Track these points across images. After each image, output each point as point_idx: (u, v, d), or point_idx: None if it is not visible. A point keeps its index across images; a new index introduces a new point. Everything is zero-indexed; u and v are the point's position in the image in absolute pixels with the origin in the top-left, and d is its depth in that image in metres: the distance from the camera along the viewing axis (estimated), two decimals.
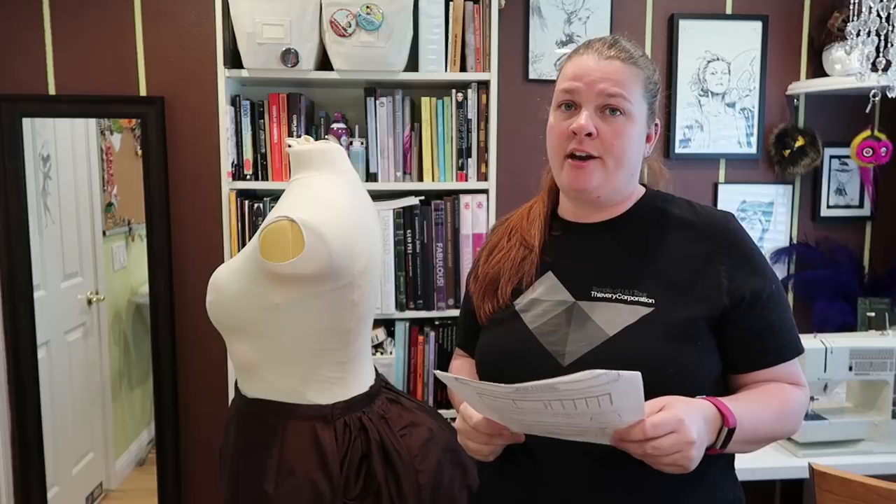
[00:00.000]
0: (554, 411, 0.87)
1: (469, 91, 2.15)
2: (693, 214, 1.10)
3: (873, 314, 2.32)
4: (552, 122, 1.08)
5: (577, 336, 1.03)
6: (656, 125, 1.12)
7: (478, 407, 0.97)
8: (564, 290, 1.08)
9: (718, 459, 1.02)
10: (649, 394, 0.84)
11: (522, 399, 0.86)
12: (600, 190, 1.06)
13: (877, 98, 1.79)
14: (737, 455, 1.11)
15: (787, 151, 2.46)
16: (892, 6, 1.55)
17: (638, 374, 0.81)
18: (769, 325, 1.03)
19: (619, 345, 0.99)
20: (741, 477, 1.15)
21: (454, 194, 2.19)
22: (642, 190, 1.14)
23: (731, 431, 0.93)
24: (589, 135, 1.02)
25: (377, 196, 2.01)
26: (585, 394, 0.82)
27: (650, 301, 1.02)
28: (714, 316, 1.02)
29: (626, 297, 1.03)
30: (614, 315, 1.02)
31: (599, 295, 1.05)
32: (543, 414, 0.88)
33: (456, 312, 2.01)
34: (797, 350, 1.06)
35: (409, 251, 2.19)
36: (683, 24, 2.43)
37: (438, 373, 0.93)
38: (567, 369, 1.00)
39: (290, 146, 1.48)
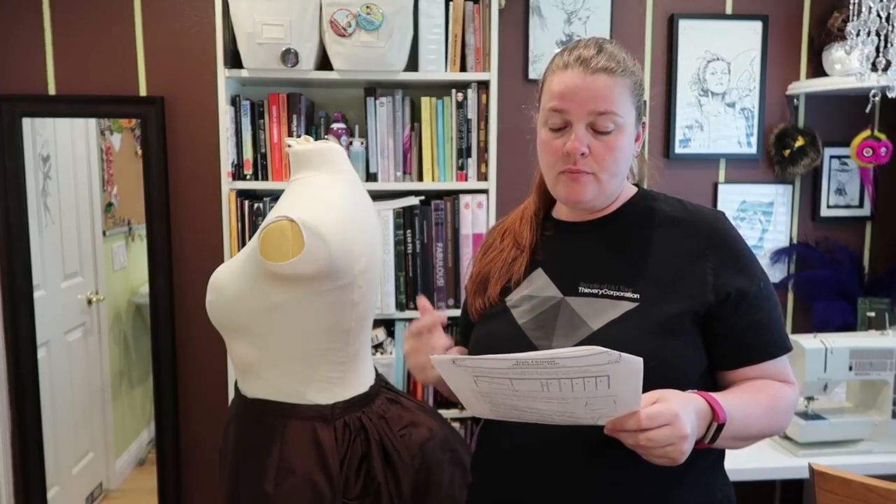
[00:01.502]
0: (550, 394, 0.87)
1: (469, 91, 2.15)
2: (683, 212, 1.11)
3: (873, 314, 2.32)
4: (543, 138, 1.08)
5: (563, 331, 1.05)
6: (643, 124, 1.12)
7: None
8: (553, 286, 1.10)
9: (707, 456, 1.03)
10: None
11: (520, 377, 0.87)
12: (595, 200, 1.08)
13: (877, 98, 1.79)
14: (736, 454, 1.11)
15: (787, 151, 2.46)
16: (892, 6, 1.55)
17: (640, 359, 0.82)
18: (755, 323, 1.04)
19: (603, 339, 0.99)
20: (741, 477, 1.14)
21: (454, 194, 2.19)
22: (634, 189, 1.16)
23: (721, 427, 0.94)
24: (582, 154, 1.03)
25: (377, 196, 2.01)
26: (584, 372, 0.83)
27: (635, 296, 1.03)
28: (699, 312, 1.02)
29: (612, 293, 1.05)
30: (600, 310, 1.04)
31: (587, 290, 1.07)
32: (538, 398, 0.89)
33: (456, 312, 2.01)
34: (784, 347, 1.07)
35: (409, 251, 2.19)
36: (683, 24, 2.43)
37: (434, 357, 0.93)
38: None
39: (289, 146, 1.48)
